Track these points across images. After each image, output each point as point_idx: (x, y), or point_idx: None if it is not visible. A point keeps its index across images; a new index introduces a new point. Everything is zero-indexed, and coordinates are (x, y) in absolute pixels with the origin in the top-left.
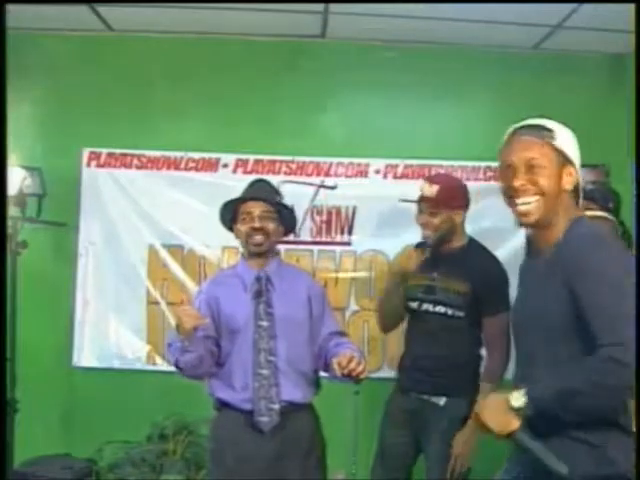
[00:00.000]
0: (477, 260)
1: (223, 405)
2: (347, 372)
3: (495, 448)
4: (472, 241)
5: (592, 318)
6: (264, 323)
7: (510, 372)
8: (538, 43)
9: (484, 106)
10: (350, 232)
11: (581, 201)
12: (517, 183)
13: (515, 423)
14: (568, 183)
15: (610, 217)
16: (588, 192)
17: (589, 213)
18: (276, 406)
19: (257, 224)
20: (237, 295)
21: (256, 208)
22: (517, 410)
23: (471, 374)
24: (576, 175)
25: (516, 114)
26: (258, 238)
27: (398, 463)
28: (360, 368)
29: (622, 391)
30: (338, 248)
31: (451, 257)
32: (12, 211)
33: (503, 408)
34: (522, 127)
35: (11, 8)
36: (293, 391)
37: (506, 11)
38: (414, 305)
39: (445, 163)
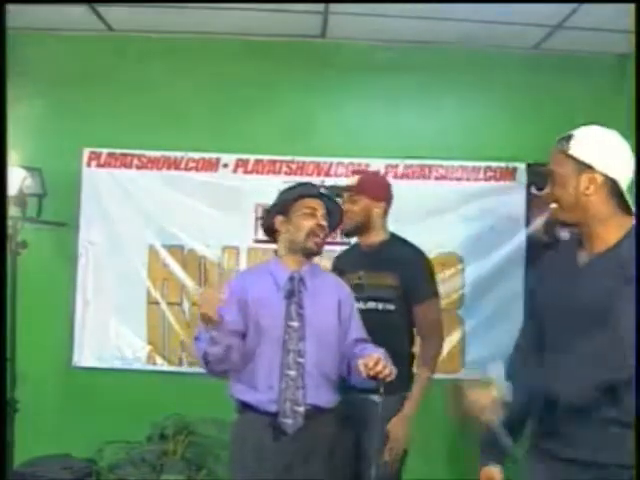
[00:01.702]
0: (400, 251)
1: (245, 407)
2: (373, 374)
3: None
4: (393, 235)
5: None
6: (294, 324)
7: None
8: (538, 43)
9: (484, 106)
10: None
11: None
12: (545, 192)
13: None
14: (588, 188)
15: None
16: (546, 193)
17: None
18: (301, 409)
19: (323, 222)
20: (269, 293)
21: (320, 206)
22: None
23: (406, 370)
24: (601, 177)
25: (516, 114)
26: (321, 236)
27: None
28: (387, 371)
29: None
30: (338, 248)
31: (374, 253)
32: (12, 211)
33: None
34: (559, 138)
35: (11, 8)
36: (318, 395)
37: (506, 11)
38: None
39: (445, 163)
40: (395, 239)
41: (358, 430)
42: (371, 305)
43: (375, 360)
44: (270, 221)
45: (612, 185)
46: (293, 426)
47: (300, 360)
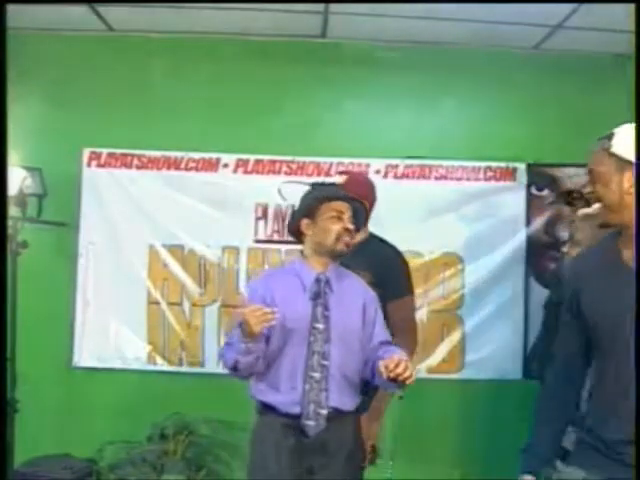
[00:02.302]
0: (377, 249)
1: (266, 408)
2: (394, 376)
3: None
4: (372, 235)
5: None
6: (320, 326)
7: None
8: (538, 43)
9: (484, 106)
10: None
11: None
12: (586, 191)
13: None
14: (632, 185)
15: None
16: (588, 193)
17: (584, 211)
18: (324, 411)
19: (350, 225)
20: (295, 294)
21: (346, 209)
22: None
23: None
24: None
25: (516, 114)
26: (348, 239)
27: None
28: (407, 373)
29: None
30: None
31: (353, 251)
32: (12, 211)
33: None
34: (599, 138)
35: (11, 8)
36: (340, 398)
37: (506, 11)
38: None
39: (445, 163)
40: (373, 238)
41: None
42: None
43: (396, 362)
44: (296, 224)
45: None
46: (315, 428)
47: (324, 362)
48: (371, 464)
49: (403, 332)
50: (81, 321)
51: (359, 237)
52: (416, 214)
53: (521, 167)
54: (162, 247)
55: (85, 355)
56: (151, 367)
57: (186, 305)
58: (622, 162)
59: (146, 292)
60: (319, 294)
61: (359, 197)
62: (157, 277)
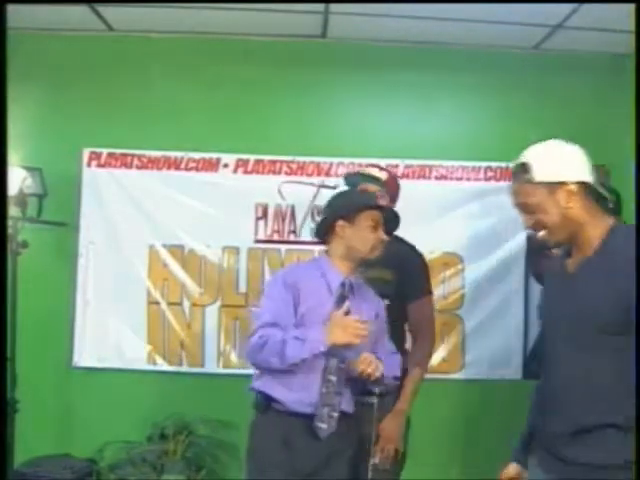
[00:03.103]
0: (397, 248)
1: (270, 404)
2: (360, 372)
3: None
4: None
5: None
6: None
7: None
8: (538, 43)
9: (484, 106)
10: None
11: (606, 194)
12: (527, 225)
13: None
14: (568, 201)
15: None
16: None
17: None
18: (336, 414)
19: (383, 236)
20: (321, 296)
21: (381, 219)
22: None
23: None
24: (575, 186)
25: (516, 114)
26: (380, 248)
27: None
28: (370, 369)
29: None
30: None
31: None
32: (12, 211)
33: None
34: (512, 172)
35: (11, 8)
36: (349, 402)
37: (506, 11)
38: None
39: (445, 163)
40: (392, 236)
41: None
42: None
43: (363, 358)
44: (331, 223)
45: (585, 187)
46: (327, 431)
47: (342, 366)
48: (395, 466)
49: (423, 331)
50: (81, 321)
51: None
52: (416, 214)
53: None
54: (162, 247)
55: (85, 355)
56: (151, 367)
57: (186, 305)
58: (551, 186)
59: (146, 292)
60: (344, 298)
61: (393, 199)
62: (157, 277)
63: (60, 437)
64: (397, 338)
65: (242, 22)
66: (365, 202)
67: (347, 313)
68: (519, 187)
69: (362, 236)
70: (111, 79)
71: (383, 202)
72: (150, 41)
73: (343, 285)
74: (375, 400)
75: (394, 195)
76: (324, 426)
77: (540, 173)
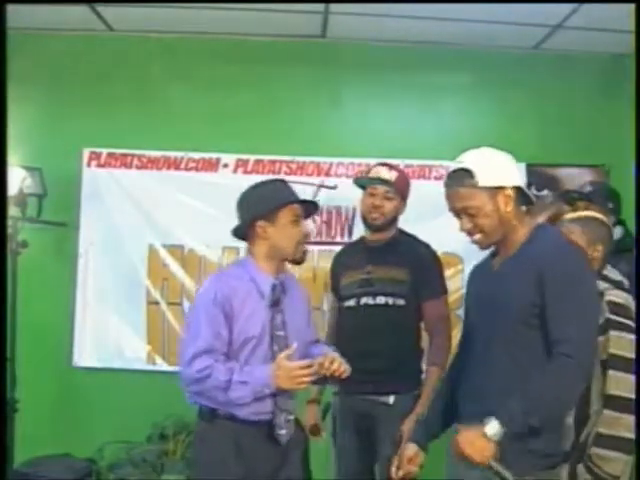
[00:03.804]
0: (410, 246)
1: (219, 414)
2: (330, 373)
3: None
4: (402, 231)
5: (549, 318)
6: (281, 333)
7: None
8: (538, 43)
9: (484, 106)
10: (350, 232)
11: (532, 194)
12: (465, 228)
13: (491, 449)
14: (506, 204)
15: (599, 216)
16: (587, 193)
17: (573, 215)
18: (292, 417)
19: (307, 230)
20: (254, 303)
21: (302, 213)
22: (492, 437)
23: (416, 368)
24: (512, 191)
25: (516, 114)
26: (305, 242)
27: (357, 468)
28: (342, 368)
29: (576, 385)
30: (338, 248)
31: (383, 247)
32: (12, 211)
33: (479, 437)
34: (450, 176)
35: (11, 8)
36: (295, 401)
37: (506, 11)
38: (351, 303)
39: (445, 163)
40: (403, 235)
41: (372, 433)
42: (381, 300)
43: (330, 360)
44: (249, 223)
45: (517, 191)
46: (287, 436)
47: None
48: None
49: (439, 331)
50: (81, 321)
51: (390, 234)
52: (416, 214)
53: (521, 167)
54: (162, 247)
55: (85, 355)
56: (151, 367)
57: (186, 305)
58: (492, 190)
59: (146, 292)
60: (277, 301)
61: (404, 198)
62: (157, 277)
63: (60, 437)
64: (413, 337)
65: (242, 22)
66: (284, 199)
67: (284, 314)
68: (461, 191)
69: (285, 233)
70: (111, 79)
71: (297, 196)
72: (150, 41)
73: (274, 288)
74: (392, 400)
75: (404, 194)
76: (283, 432)
77: (483, 178)
